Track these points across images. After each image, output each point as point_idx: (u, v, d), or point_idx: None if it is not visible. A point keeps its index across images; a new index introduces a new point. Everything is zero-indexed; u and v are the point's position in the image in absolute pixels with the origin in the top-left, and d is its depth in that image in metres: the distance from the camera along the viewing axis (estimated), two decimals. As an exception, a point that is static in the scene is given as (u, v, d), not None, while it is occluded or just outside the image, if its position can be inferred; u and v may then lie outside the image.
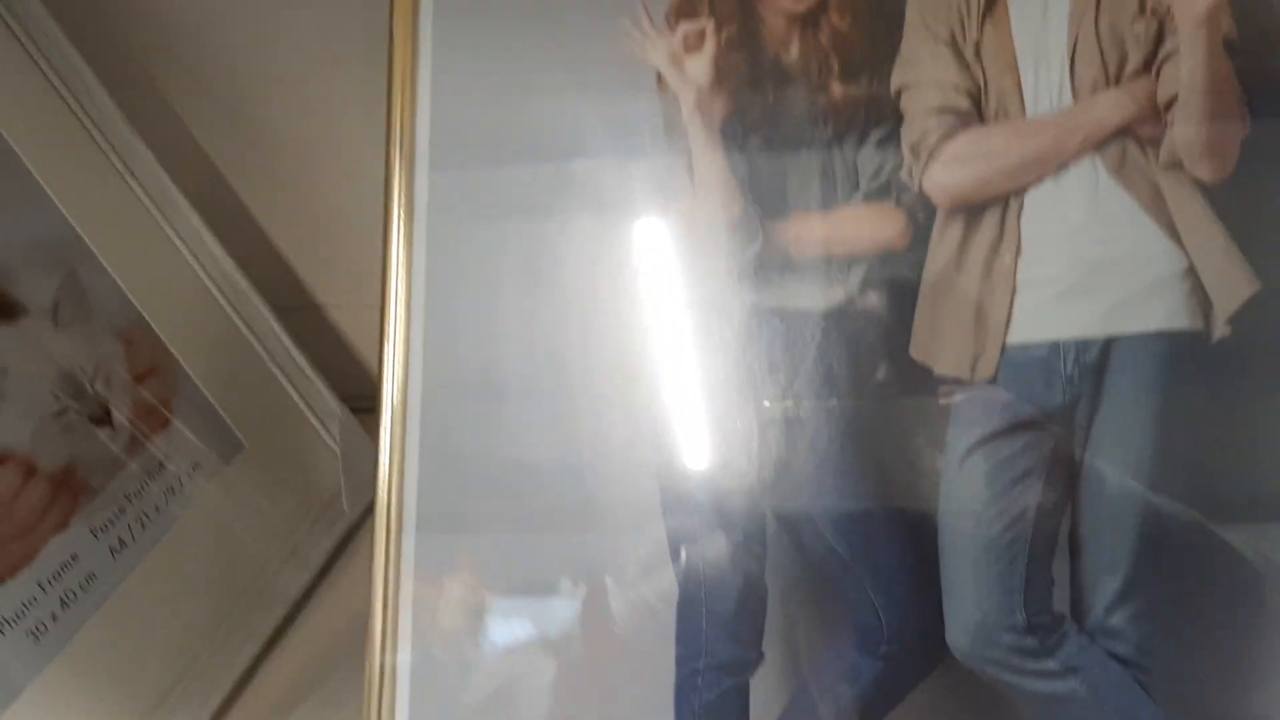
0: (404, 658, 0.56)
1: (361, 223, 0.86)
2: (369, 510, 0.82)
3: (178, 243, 0.77)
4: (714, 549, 0.52)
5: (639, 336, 0.55)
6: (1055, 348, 0.50)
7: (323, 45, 0.78)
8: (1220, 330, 0.49)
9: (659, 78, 0.53)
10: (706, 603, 0.52)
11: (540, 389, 0.56)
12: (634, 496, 0.54)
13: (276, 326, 0.82)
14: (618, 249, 0.56)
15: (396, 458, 0.59)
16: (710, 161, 0.53)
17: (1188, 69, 0.49)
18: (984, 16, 0.51)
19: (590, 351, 0.55)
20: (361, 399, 0.88)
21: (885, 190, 0.52)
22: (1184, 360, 0.49)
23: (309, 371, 0.83)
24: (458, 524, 0.58)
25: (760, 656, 0.52)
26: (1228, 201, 0.49)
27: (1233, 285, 0.49)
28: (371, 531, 0.81)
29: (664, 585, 0.52)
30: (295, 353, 0.82)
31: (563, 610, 0.55)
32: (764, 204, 0.53)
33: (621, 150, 0.55)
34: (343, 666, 0.73)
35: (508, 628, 0.56)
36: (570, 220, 0.56)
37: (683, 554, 0.53)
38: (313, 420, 0.82)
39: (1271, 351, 0.49)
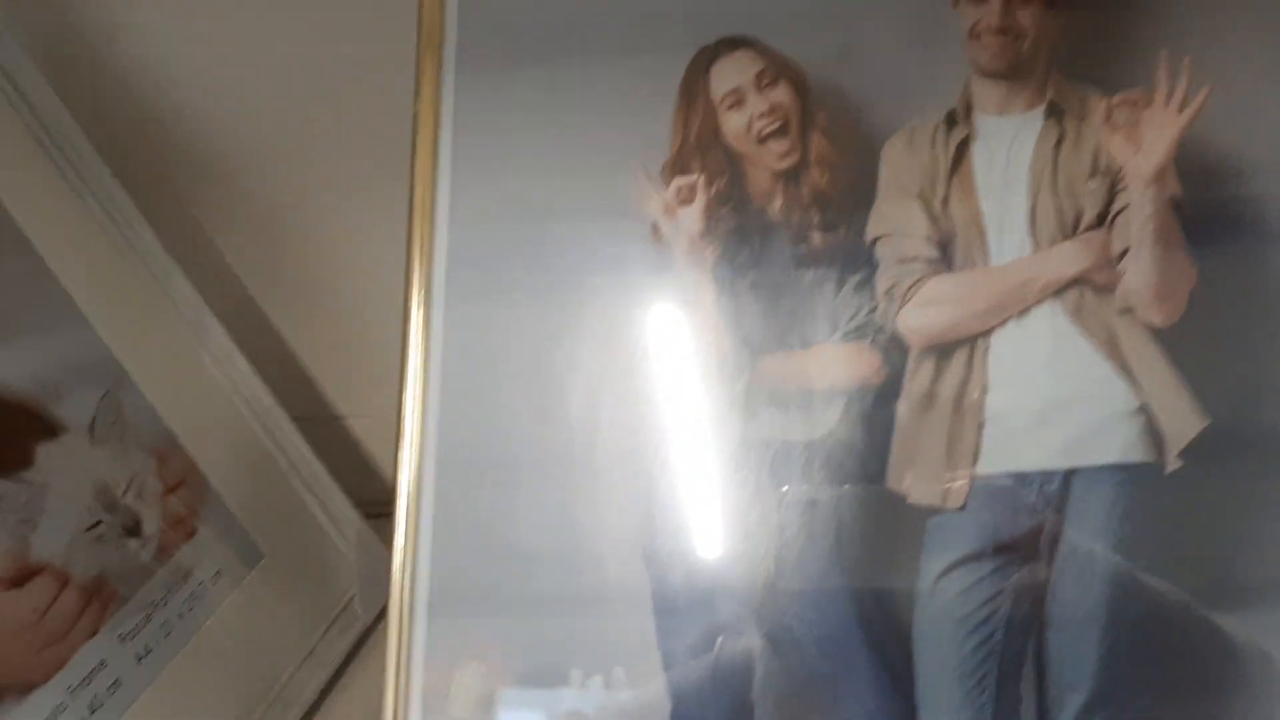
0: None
1: (381, 339, 0.91)
2: (382, 614, 0.85)
3: (208, 362, 0.81)
4: (704, 666, 0.55)
5: (641, 452, 0.58)
6: (1021, 478, 0.54)
7: (347, 172, 0.84)
8: (1173, 463, 0.53)
9: (654, 226, 0.58)
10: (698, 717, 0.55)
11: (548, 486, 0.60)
12: (634, 585, 0.57)
13: (297, 437, 0.86)
14: (620, 377, 0.60)
15: (410, 547, 0.62)
16: (702, 302, 0.57)
17: (1137, 224, 0.53)
18: (952, 174, 0.56)
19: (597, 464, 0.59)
20: (375, 505, 0.92)
21: (862, 330, 0.56)
22: (1140, 490, 0.53)
23: (326, 480, 0.86)
24: (469, 611, 0.61)
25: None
26: (1177, 344, 0.53)
27: (1183, 421, 0.53)
28: (384, 633, 0.85)
29: (655, 697, 0.55)
30: (314, 462, 0.86)
31: (572, 701, 0.58)
32: (751, 341, 0.57)
33: (624, 284, 0.60)
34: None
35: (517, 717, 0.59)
36: (578, 346, 0.60)
37: (674, 668, 0.56)
38: (328, 527, 0.86)
39: (1221, 482, 0.52)
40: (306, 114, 0.82)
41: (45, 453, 0.69)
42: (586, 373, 0.60)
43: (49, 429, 0.70)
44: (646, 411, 0.59)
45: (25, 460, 0.68)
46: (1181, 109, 0.53)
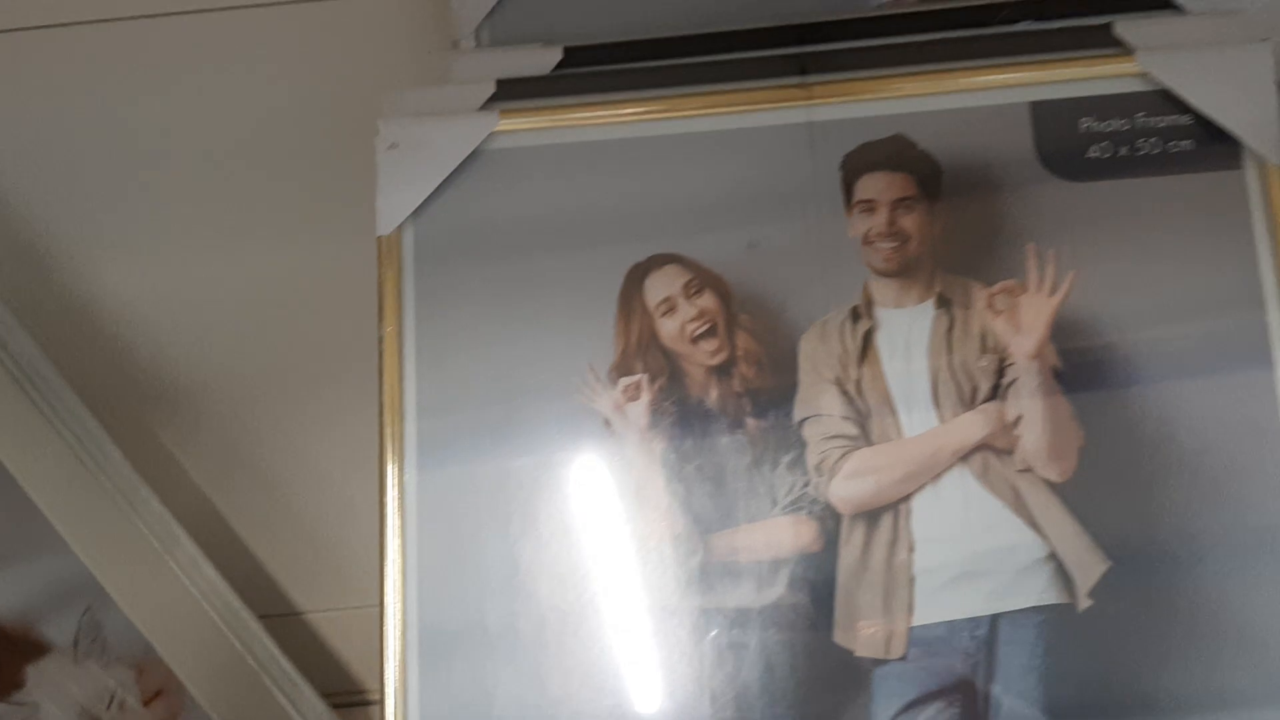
0: None
1: (337, 537, 0.95)
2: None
3: (179, 572, 0.84)
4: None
5: (605, 625, 0.63)
6: (952, 625, 0.60)
7: (307, 388, 0.89)
8: (1084, 602, 0.59)
9: (606, 422, 0.64)
10: None
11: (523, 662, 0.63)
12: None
13: (264, 637, 0.88)
14: (583, 558, 0.64)
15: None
16: (653, 489, 0.63)
17: (1026, 394, 0.61)
18: (860, 361, 0.63)
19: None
20: (340, 695, 0.94)
21: (798, 503, 0.62)
22: (1058, 629, 0.59)
23: (293, 676, 0.89)
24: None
25: None
26: (1074, 496, 0.60)
27: (1087, 565, 0.59)
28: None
29: None
30: (281, 659, 0.88)
31: None
32: (701, 521, 0.62)
33: (583, 468, 0.65)
34: None
35: None
36: (544, 528, 0.64)
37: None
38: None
39: (1128, 616, 0.59)
40: (266, 335, 0.87)
41: (35, 673, 0.71)
42: (553, 553, 0.64)
43: (37, 649, 0.72)
44: (611, 588, 0.64)
45: (17, 682, 0.70)
46: (1052, 293, 0.61)
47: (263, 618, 0.90)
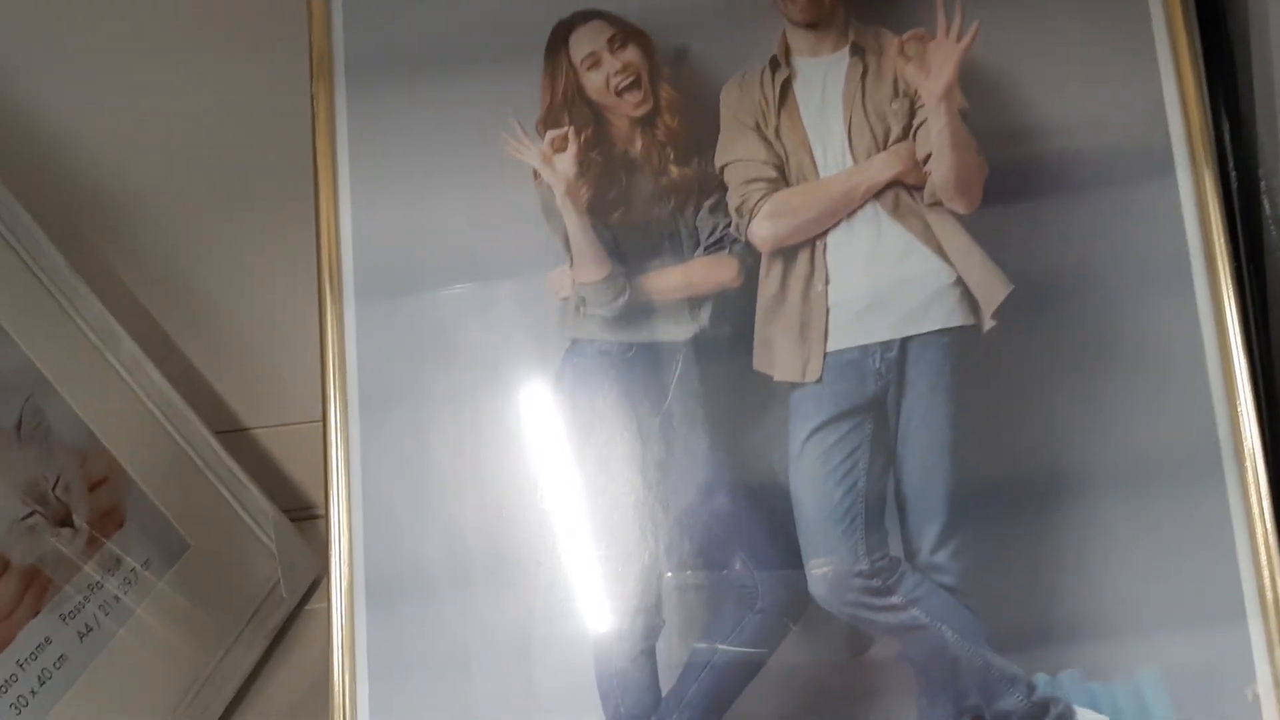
0: None
1: (278, 353, 0.96)
2: (305, 596, 0.89)
3: (121, 371, 0.84)
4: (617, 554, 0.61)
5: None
6: (865, 350, 0.62)
7: (242, 198, 0.89)
8: (988, 323, 0.61)
9: (535, 173, 0.65)
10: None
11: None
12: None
13: (212, 441, 0.89)
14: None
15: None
16: (582, 235, 0.64)
17: (935, 132, 0.62)
18: (780, 108, 0.64)
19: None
20: (288, 509, 0.95)
21: (720, 244, 0.63)
22: (964, 349, 0.61)
23: (243, 479, 0.90)
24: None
25: (662, 624, 0.61)
26: (980, 226, 0.62)
27: (992, 289, 0.61)
28: (308, 620, 0.88)
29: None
30: (229, 462, 0.89)
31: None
32: (628, 264, 0.64)
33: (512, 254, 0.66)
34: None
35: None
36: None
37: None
38: (248, 520, 0.89)
39: (1027, 332, 0.61)
40: (203, 149, 0.87)
41: (-25, 451, 0.71)
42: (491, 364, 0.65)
43: (-23, 429, 0.72)
44: (542, 339, 0.65)
45: (-42, 457, 0.70)
46: (959, 39, 0.63)
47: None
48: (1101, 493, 0.60)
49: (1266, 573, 0.58)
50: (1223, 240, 0.61)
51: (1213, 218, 0.61)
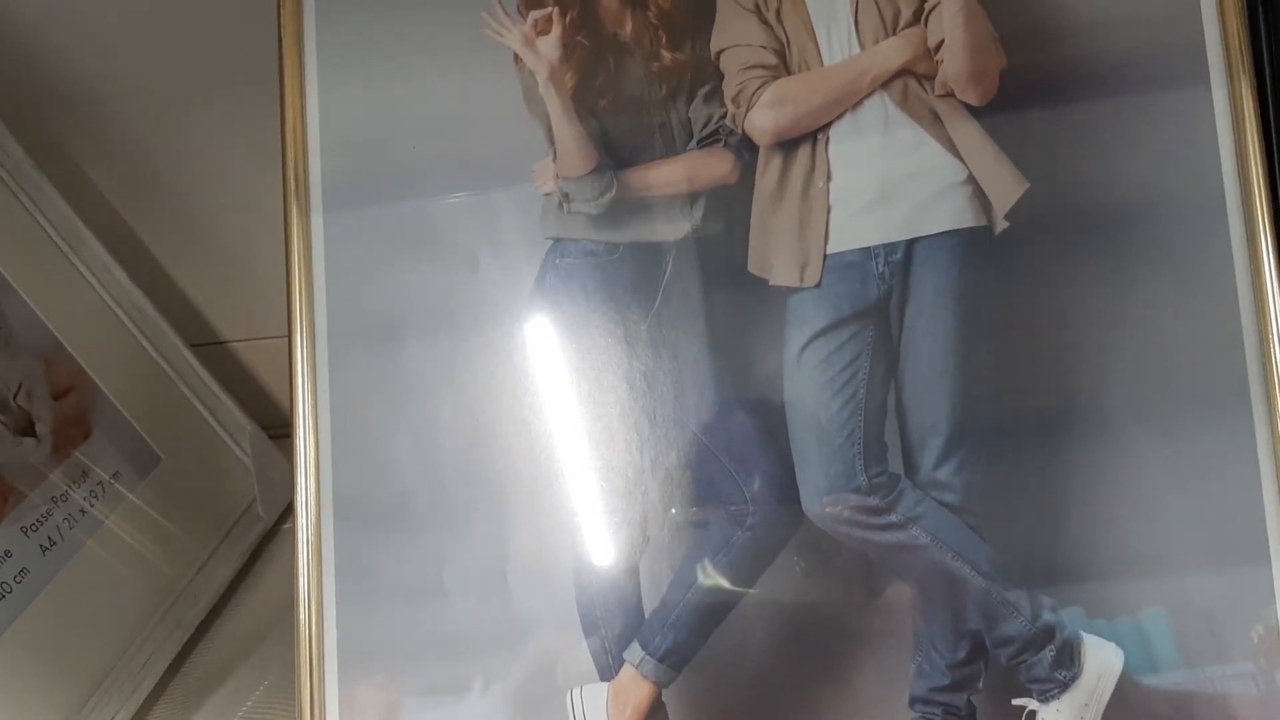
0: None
1: (256, 263, 0.91)
2: (283, 515, 0.85)
3: (87, 275, 0.80)
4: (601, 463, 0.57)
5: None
6: (867, 252, 0.57)
7: (213, 88, 0.83)
8: (1000, 224, 0.57)
9: (516, 58, 0.60)
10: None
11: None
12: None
13: (185, 351, 0.85)
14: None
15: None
16: (566, 124, 0.59)
17: (949, 16, 0.57)
18: (782, -13, 0.59)
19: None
20: (265, 425, 0.91)
21: (715, 136, 0.58)
22: (974, 251, 0.57)
23: (216, 390, 0.86)
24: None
25: (646, 540, 0.57)
26: (994, 120, 0.57)
27: (1005, 186, 0.56)
28: (286, 538, 0.84)
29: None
30: (203, 374, 0.85)
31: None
32: (615, 157, 0.59)
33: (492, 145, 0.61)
34: (267, 648, 0.75)
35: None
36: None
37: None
38: (223, 435, 0.85)
39: (1043, 237, 0.57)
40: (170, 36, 0.81)
41: (-69, 350, 0.67)
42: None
43: (-69, 331, 0.68)
44: (521, 249, 0.60)
45: (-90, 360, 0.66)
46: (978, -87, 0.57)
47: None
48: (1118, 416, 0.56)
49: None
50: (1258, 156, 0.56)
51: (1249, 130, 0.56)
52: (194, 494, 0.81)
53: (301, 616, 0.59)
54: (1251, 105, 0.56)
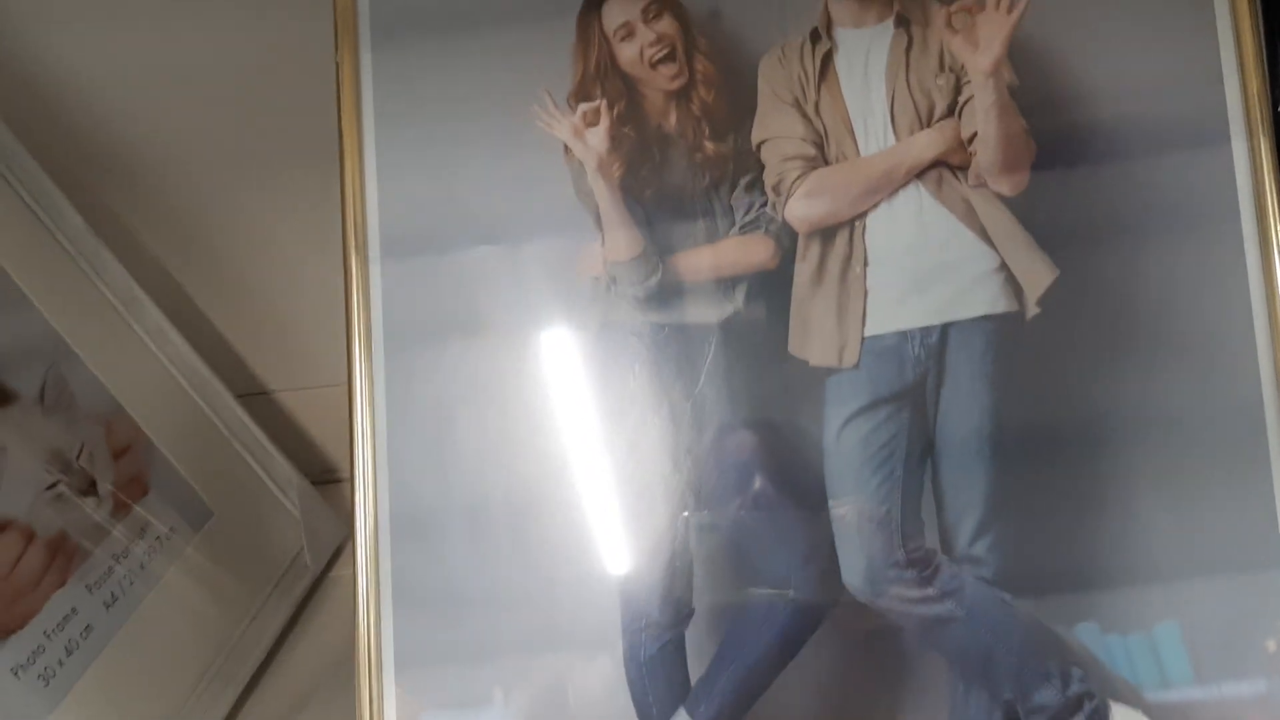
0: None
1: (302, 316, 0.94)
2: (329, 564, 0.87)
3: (144, 337, 0.83)
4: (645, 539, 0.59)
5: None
6: (904, 335, 0.59)
7: (265, 161, 0.86)
8: (1032, 310, 0.59)
9: (565, 149, 0.62)
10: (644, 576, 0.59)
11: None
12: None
13: (236, 407, 0.87)
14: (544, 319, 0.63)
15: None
16: (614, 212, 0.61)
17: (982, 110, 0.59)
18: (819, 82, 0.61)
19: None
20: (310, 473, 0.94)
21: (755, 223, 0.61)
22: (1007, 336, 0.59)
23: (265, 444, 0.88)
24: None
25: (692, 612, 0.59)
26: (1026, 210, 0.59)
27: (1037, 274, 0.59)
28: (332, 587, 0.87)
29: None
30: (254, 429, 0.88)
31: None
32: (661, 243, 0.61)
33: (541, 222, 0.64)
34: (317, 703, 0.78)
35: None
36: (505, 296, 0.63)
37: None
38: (272, 488, 0.87)
39: (1073, 323, 0.59)
40: (225, 112, 0.84)
41: (2, 417, 0.69)
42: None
43: (3, 397, 0.70)
44: (572, 318, 0.63)
45: (-17, 426, 0.68)
46: (1010, 10, 0.59)
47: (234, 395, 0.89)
48: (1145, 484, 0.58)
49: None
50: (1277, 214, 0.58)
51: (1268, 189, 0.58)
52: (245, 546, 0.83)
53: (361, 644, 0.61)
54: (1270, 161, 0.58)
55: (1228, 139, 0.59)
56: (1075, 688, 0.56)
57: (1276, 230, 0.58)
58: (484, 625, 0.61)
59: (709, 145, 0.61)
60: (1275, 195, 0.58)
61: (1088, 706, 0.56)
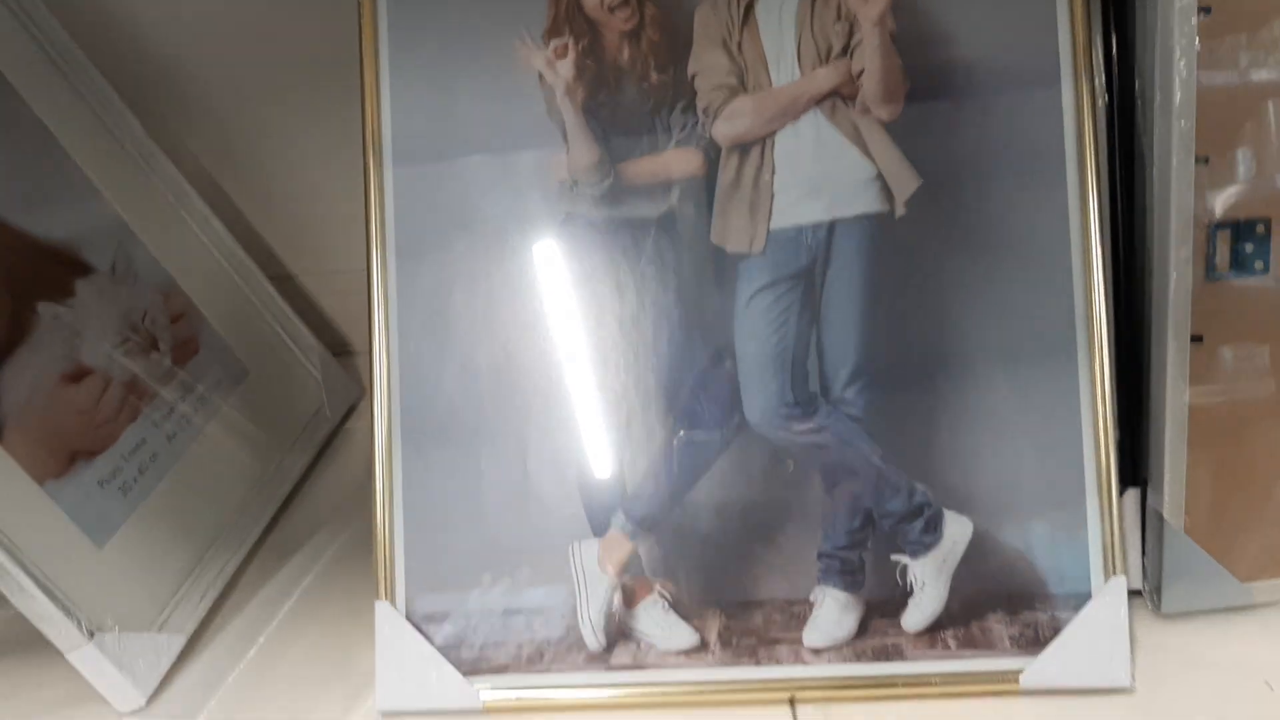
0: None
1: (322, 211, 1.08)
2: (344, 417, 1.04)
3: (193, 225, 0.97)
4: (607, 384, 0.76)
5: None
6: (800, 229, 0.74)
7: (294, 83, 1.00)
8: (900, 211, 0.74)
9: (540, 76, 0.77)
10: (593, 411, 0.76)
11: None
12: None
13: (268, 286, 1.03)
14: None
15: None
16: (577, 128, 0.76)
17: (868, 51, 0.74)
18: (743, 27, 0.75)
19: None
20: (329, 346, 1.09)
21: (688, 139, 0.76)
22: (879, 231, 0.74)
23: (294, 318, 1.04)
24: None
25: (630, 440, 0.76)
26: (900, 132, 0.74)
27: (905, 182, 0.74)
28: (350, 432, 1.03)
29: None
30: (283, 304, 1.03)
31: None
32: (614, 153, 0.76)
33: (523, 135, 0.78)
34: (339, 517, 0.94)
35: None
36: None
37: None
38: (298, 353, 1.04)
39: (930, 221, 0.74)
40: (259, 33, 0.98)
41: (83, 285, 0.85)
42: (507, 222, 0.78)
43: (83, 269, 0.86)
44: (541, 212, 0.78)
45: (69, 292, 0.84)
46: (893, -28, 0.74)
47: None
48: (976, 358, 0.73)
49: (1102, 449, 0.72)
50: (1093, 147, 0.72)
51: (1086, 126, 0.73)
52: (276, 399, 1.00)
53: (379, 483, 0.77)
54: (1089, 102, 0.72)
55: (1058, 81, 0.73)
56: (918, 498, 0.73)
57: (1093, 160, 0.72)
58: (471, 441, 0.77)
59: (654, 75, 0.76)
60: (1092, 131, 0.73)
61: (927, 512, 0.73)
